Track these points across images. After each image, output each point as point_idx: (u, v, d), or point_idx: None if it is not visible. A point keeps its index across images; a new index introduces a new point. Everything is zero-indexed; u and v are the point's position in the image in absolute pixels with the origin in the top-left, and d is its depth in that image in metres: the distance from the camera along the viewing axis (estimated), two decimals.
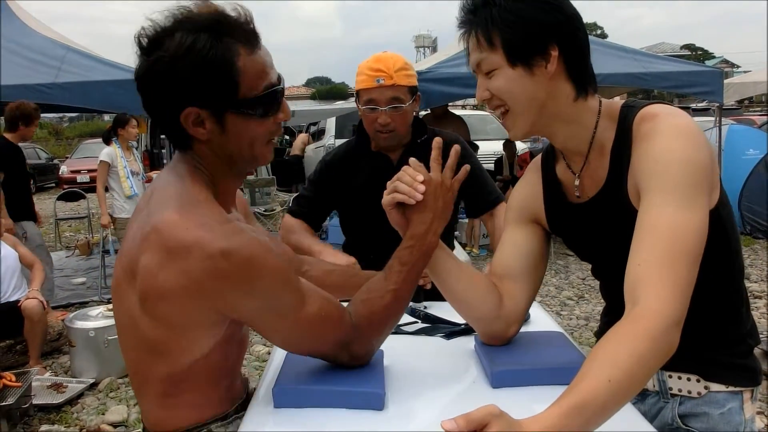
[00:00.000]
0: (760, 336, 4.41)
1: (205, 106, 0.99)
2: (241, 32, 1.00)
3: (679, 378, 1.24)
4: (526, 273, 1.35)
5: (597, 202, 1.22)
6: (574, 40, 1.14)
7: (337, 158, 2.19)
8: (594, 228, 1.24)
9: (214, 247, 0.93)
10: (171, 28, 0.97)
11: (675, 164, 1.04)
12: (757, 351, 4.23)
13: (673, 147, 1.06)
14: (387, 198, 1.20)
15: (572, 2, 1.16)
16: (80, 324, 4.13)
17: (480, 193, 2.16)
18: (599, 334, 1.47)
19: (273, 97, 1.04)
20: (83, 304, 5.62)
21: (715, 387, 1.21)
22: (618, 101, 1.22)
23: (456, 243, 6.14)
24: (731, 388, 1.21)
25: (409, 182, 1.18)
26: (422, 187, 1.17)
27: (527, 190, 1.38)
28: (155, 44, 0.98)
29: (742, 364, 1.24)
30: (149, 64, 0.98)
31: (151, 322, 0.99)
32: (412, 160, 1.23)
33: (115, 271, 1.07)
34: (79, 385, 3.93)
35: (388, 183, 1.22)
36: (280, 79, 1.06)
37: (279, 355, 1.34)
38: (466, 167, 1.25)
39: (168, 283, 0.94)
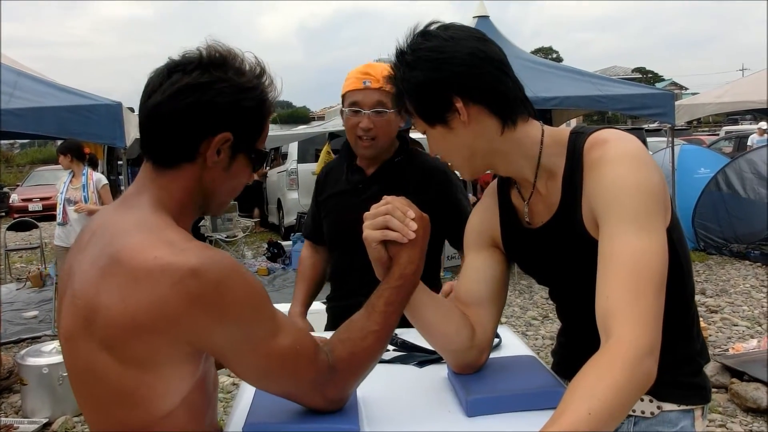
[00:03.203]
0: (718, 350, 4.51)
1: (237, 138, 1.03)
2: (273, 101, 1.10)
3: None
4: (491, 298, 1.35)
5: (550, 228, 1.23)
6: (477, 79, 1.13)
7: (325, 171, 2.25)
8: (548, 253, 1.25)
9: (183, 268, 0.88)
10: (239, 66, 1.04)
11: (629, 191, 1.05)
12: (715, 365, 4.32)
13: (625, 173, 1.07)
14: (376, 234, 1.14)
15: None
16: (32, 361, 3.95)
17: (460, 219, 1.83)
18: (555, 354, 1.49)
19: (265, 156, 1.15)
20: (35, 339, 5.42)
21: (667, 407, 1.23)
22: (565, 128, 1.23)
23: None
24: (683, 407, 1.24)
25: (401, 218, 1.14)
26: (414, 225, 1.14)
27: (484, 215, 1.39)
28: (221, 66, 1.01)
29: (693, 383, 1.26)
30: (216, 80, 1.00)
31: (120, 368, 0.91)
32: (401, 198, 1.18)
33: (64, 319, 0.97)
34: (32, 425, 3.77)
35: (366, 215, 1.16)
36: None
37: (248, 391, 1.28)
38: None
39: (136, 316, 0.88)
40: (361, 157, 2.04)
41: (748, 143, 14.78)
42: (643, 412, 1.24)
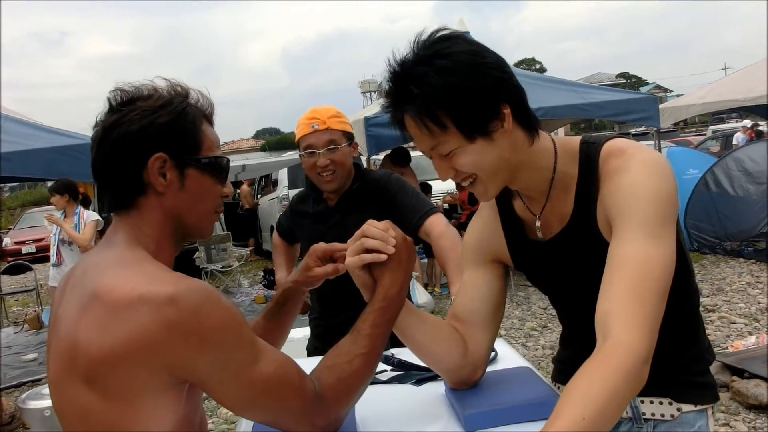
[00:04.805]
0: (717, 349, 4.48)
1: (172, 154, 1.04)
2: (203, 109, 1.12)
3: (651, 402, 1.25)
4: (489, 315, 1.34)
5: (563, 238, 1.21)
6: (514, 89, 1.11)
7: (297, 200, 2.46)
8: (561, 264, 1.24)
9: (160, 296, 0.90)
10: (146, 93, 1.06)
11: (644, 198, 1.06)
12: (715, 364, 4.33)
13: (641, 181, 1.07)
14: (354, 260, 1.14)
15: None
16: (34, 404, 3.92)
17: (404, 217, 2.08)
18: (557, 361, 1.48)
19: (225, 164, 1.13)
20: (36, 382, 5.37)
21: (686, 408, 1.24)
22: (573, 138, 1.23)
23: (417, 283, 6.12)
24: (699, 407, 1.24)
25: (378, 235, 1.13)
26: (393, 240, 1.13)
27: (484, 230, 1.37)
28: (129, 102, 1.05)
29: (705, 383, 1.27)
30: (125, 113, 1.03)
31: (103, 404, 0.92)
32: (384, 222, 1.18)
33: (51, 363, 0.99)
34: None
35: (349, 241, 1.16)
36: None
37: (245, 425, 1.29)
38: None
39: (115, 347, 0.89)
40: (326, 191, 2.22)
41: (734, 141, 14.87)
42: (663, 415, 1.24)
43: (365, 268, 1.15)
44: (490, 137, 1.08)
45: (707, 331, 4.76)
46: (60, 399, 0.98)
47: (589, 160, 1.16)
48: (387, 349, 1.75)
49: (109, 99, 1.07)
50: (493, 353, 1.62)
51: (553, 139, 1.20)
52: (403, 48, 1.08)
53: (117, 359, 0.89)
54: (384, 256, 1.13)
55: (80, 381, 0.92)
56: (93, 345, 0.90)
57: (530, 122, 1.14)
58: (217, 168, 1.11)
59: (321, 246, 1.35)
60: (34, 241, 14.83)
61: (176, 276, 0.96)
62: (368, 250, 1.14)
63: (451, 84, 1.03)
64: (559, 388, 1.39)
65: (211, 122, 1.13)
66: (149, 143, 1.03)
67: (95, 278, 0.96)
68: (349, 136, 2.16)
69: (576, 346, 1.39)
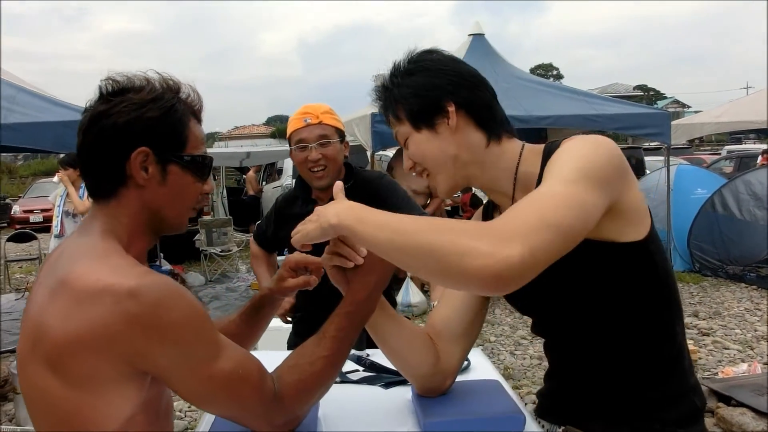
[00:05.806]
0: (707, 374, 4.37)
1: (156, 150, 1.06)
2: (192, 106, 1.13)
3: None
4: (465, 328, 1.35)
5: None
6: (471, 93, 1.20)
7: (283, 203, 2.41)
8: None
9: (123, 288, 0.92)
10: (138, 85, 1.08)
11: (569, 156, 1.07)
12: (703, 389, 4.22)
13: (574, 147, 1.10)
14: (324, 259, 1.19)
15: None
16: None
17: None
18: (540, 395, 1.41)
19: (208, 163, 1.15)
20: None
21: None
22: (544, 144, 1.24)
23: (412, 283, 6.11)
24: None
25: (351, 244, 1.15)
26: (364, 251, 1.15)
27: None
28: (119, 93, 1.07)
29: None
30: (114, 104, 1.05)
31: (63, 388, 0.94)
32: None
33: (19, 343, 1.02)
34: None
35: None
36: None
37: (208, 418, 1.32)
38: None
39: (77, 334, 0.91)
40: (316, 188, 2.19)
41: (758, 161, 14.31)
42: None
43: (339, 269, 1.18)
44: (434, 130, 1.20)
45: (699, 355, 4.75)
46: (24, 379, 1.01)
47: (550, 154, 1.17)
48: (362, 349, 1.77)
49: (100, 87, 1.08)
50: (466, 362, 1.64)
51: (523, 144, 1.24)
52: (418, 46, 1.28)
53: (79, 347, 0.92)
54: (350, 263, 1.15)
55: (43, 364, 0.95)
56: (57, 330, 0.93)
57: (489, 125, 1.21)
58: (200, 166, 1.13)
59: (295, 256, 1.36)
60: (42, 210, 14.95)
61: (142, 270, 0.97)
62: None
63: (405, 83, 1.22)
64: (542, 424, 1.34)
65: (199, 119, 1.15)
66: (134, 137, 1.05)
67: (66, 265, 0.98)
68: (340, 134, 2.18)
69: (560, 378, 1.33)
